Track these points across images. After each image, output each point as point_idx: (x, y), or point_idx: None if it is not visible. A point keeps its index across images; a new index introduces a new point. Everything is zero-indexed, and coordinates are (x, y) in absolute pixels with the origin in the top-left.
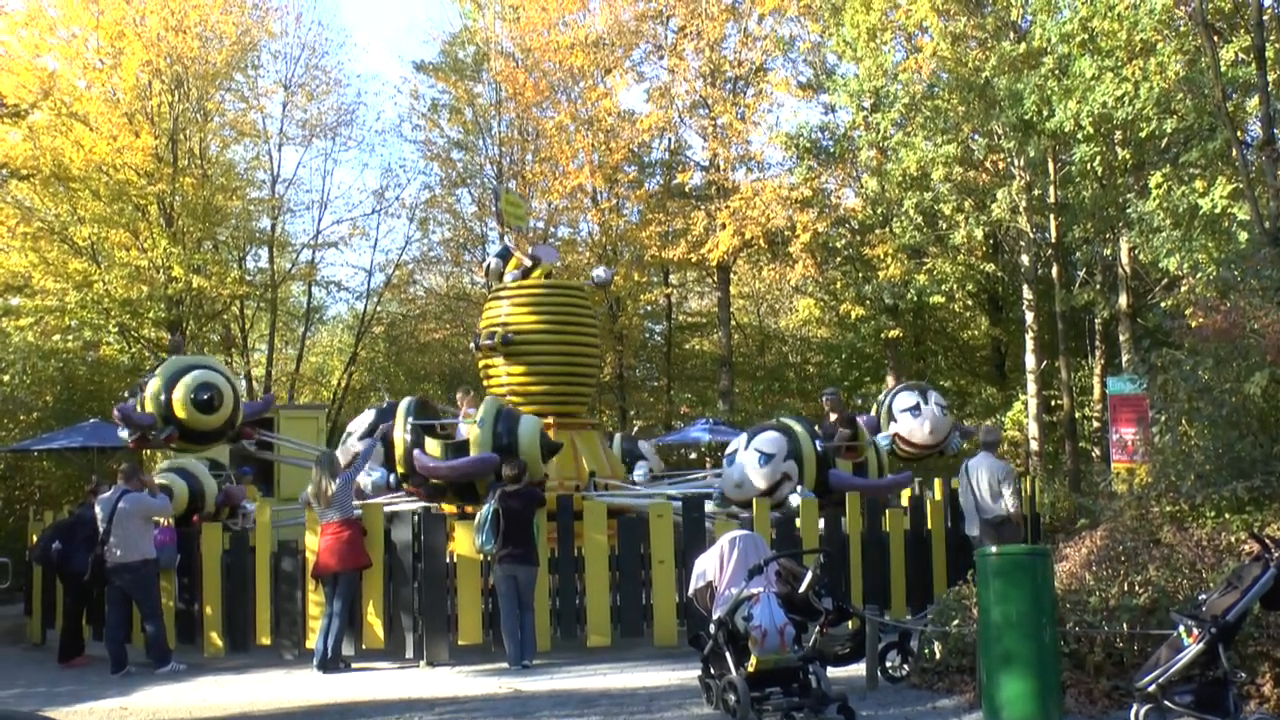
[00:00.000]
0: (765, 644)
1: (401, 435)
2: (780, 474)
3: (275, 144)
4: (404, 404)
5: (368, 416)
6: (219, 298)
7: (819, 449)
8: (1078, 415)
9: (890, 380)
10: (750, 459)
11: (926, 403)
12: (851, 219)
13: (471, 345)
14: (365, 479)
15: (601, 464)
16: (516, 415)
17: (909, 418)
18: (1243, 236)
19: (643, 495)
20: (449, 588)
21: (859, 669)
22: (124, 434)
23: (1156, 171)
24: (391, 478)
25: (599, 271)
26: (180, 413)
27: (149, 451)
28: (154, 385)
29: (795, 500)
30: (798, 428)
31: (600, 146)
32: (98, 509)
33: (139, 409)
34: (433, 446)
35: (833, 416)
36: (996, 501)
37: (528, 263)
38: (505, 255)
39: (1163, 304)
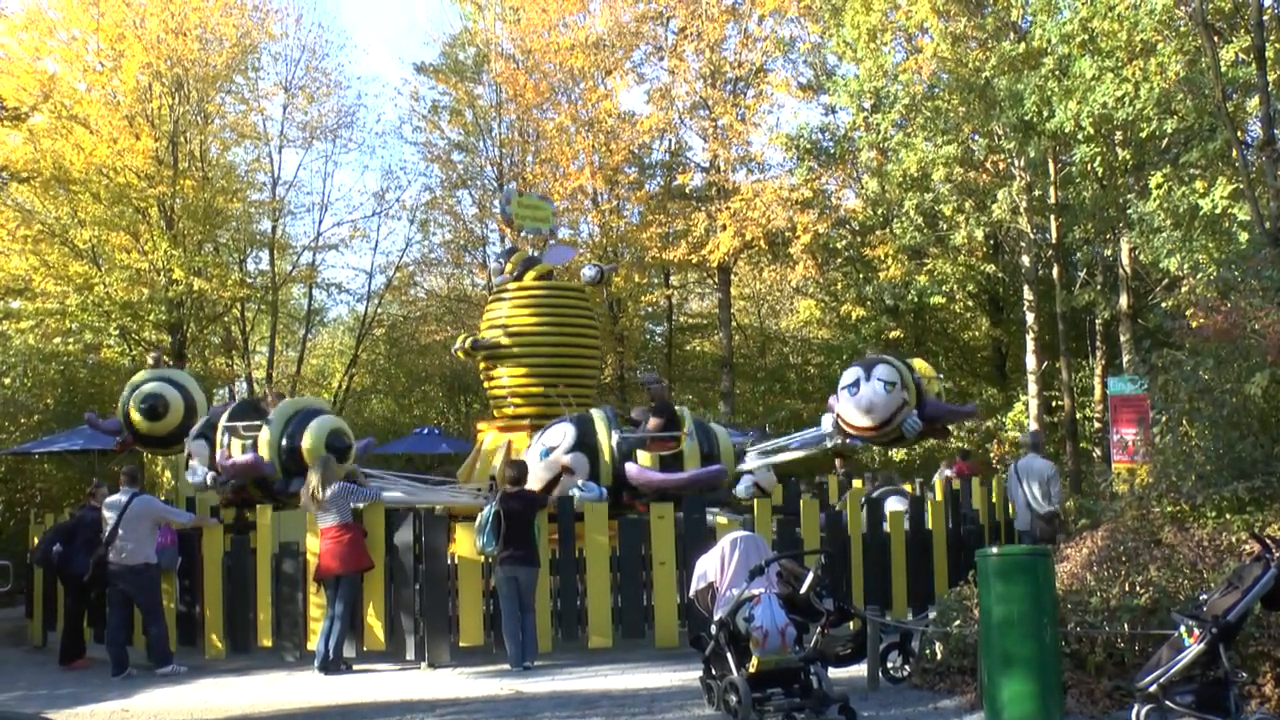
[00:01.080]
0: (766, 645)
1: (607, 446)
2: (559, 468)
3: (276, 146)
4: (600, 414)
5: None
6: (220, 300)
7: (616, 441)
8: (1079, 416)
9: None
10: (535, 452)
11: (868, 379)
12: (852, 220)
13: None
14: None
15: None
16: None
17: (846, 396)
18: (1243, 237)
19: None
20: (450, 589)
21: (860, 670)
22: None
23: (1157, 172)
24: (210, 477)
25: (587, 270)
26: (134, 419)
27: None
28: (123, 395)
29: (577, 494)
30: (597, 417)
31: (601, 148)
32: (106, 511)
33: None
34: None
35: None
36: (1047, 498)
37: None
38: (508, 255)
39: (1163, 304)
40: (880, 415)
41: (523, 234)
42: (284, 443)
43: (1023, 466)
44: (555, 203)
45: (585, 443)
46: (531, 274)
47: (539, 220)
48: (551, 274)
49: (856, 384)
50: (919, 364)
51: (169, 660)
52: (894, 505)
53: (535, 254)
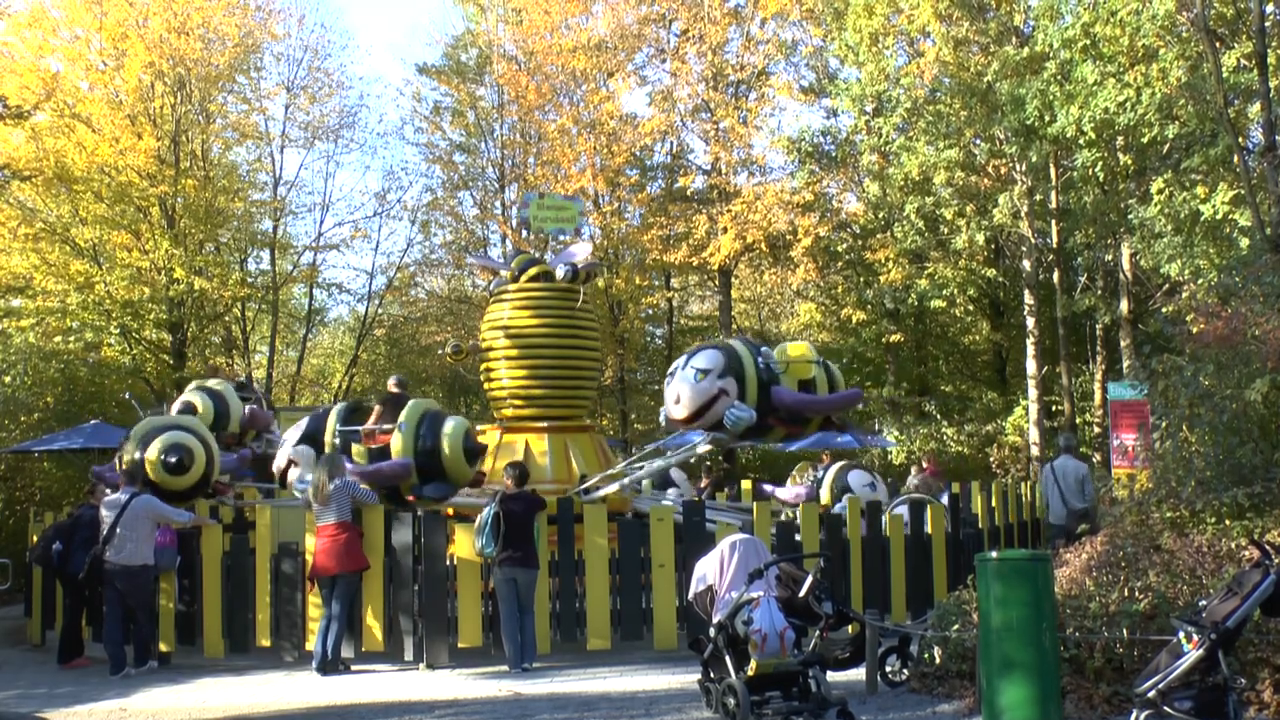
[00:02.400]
0: (765, 648)
1: (755, 373)
2: (287, 459)
3: (277, 146)
4: (743, 344)
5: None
6: (220, 300)
7: (338, 435)
8: (1079, 421)
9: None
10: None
11: (684, 367)
12: (853, 223)
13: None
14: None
15: (597, 468)
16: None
17: (666, 386)
18: (1244, 242)
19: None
20: (449, 590)
21: (859, 673)
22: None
23: (1158, 177)
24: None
25: (560, 269)
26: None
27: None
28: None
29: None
30: (739, 345)
31: (602, 150)
32: (104, 510)
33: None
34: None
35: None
36: (1081, 496)
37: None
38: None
39: (1164, 310)
40: (690, 405)
41: (543, 234)
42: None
43: (1058, 467)
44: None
45: (734, 368)
46: (528, 274)
47: (563, 221)
48: (551, 275)
49: (673, 373)
50: (796, 348)
51: (146, 659)
52: (856, 480)
53: (536, 254)
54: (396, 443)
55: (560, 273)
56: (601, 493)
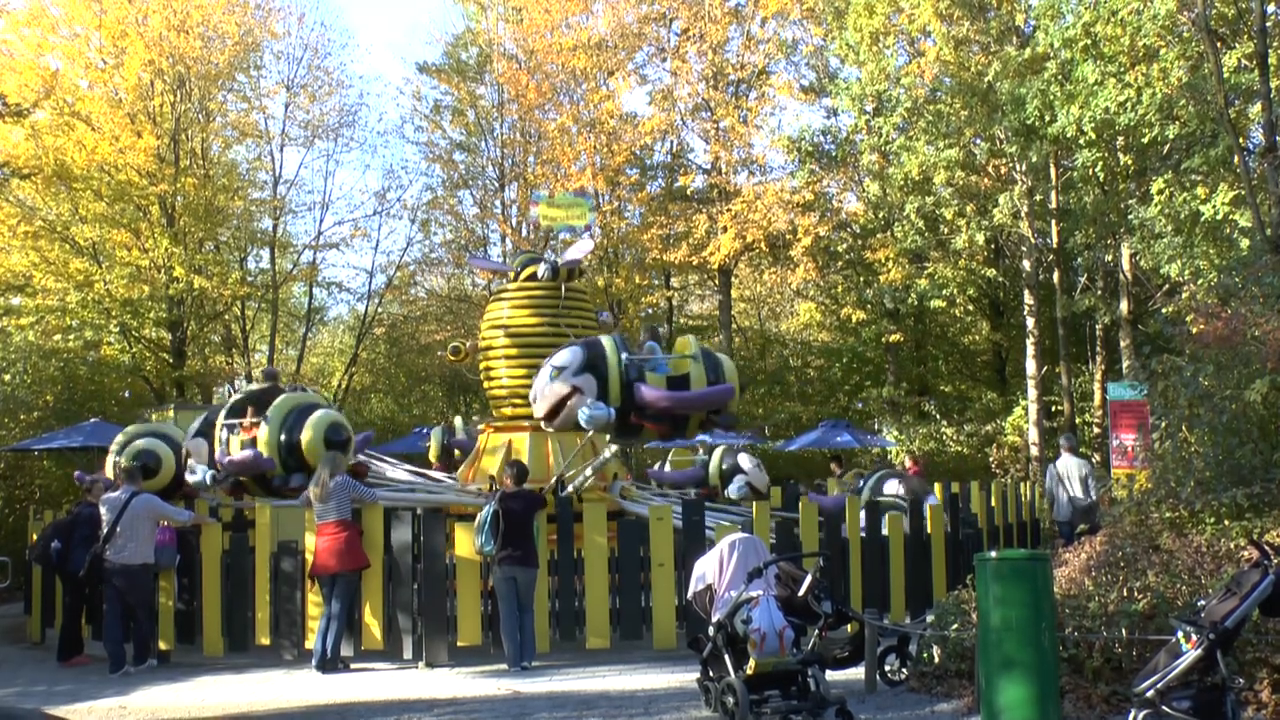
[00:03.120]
0: (764, 647)
1: (618, 370)
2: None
3: (277, 145)
4: (610, 341)
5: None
6: (220, 298)
7: (625, 362)
8: (1078, 421)
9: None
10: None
11: (544, 364)
12: (853, 223)
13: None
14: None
15: (612, 466)
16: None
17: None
18: (1244, 243)
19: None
20: (448, 589)
21: (858, 672)
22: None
23: (1158, 177)
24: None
25: (541, 266)
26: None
27: None
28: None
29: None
30: (606, 341)
31: (602, 149)
32: (103, 508)
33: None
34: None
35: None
36: (1086, 492)
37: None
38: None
39: (1164, 310)
40: (544, 403)
41: (552, 233)
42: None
43: (1062, 465)
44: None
45: (594, 364)
46: (525, 273)
47: (574, 218)
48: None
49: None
50: (682, 342)
51: (145, 657)
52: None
53: (537, 253)
54: (261, 435)
55: (541, 270)
56: (571, 488)
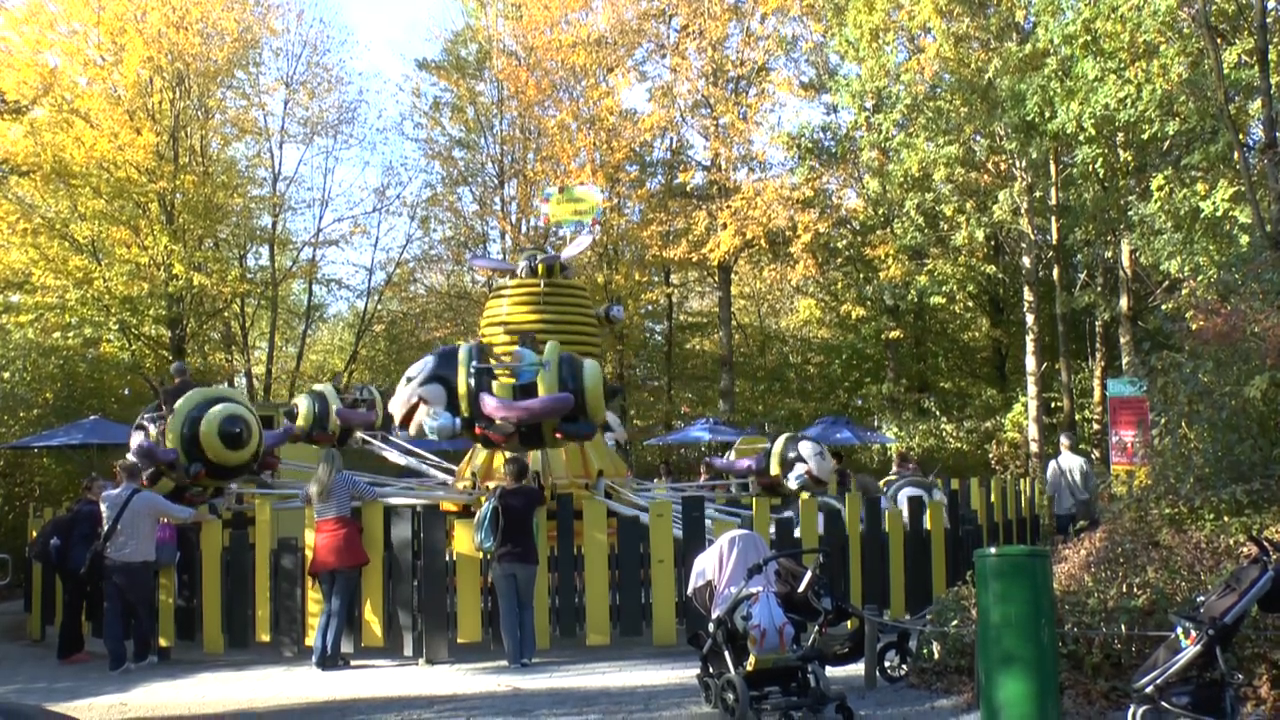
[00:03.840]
0: (764, 643)
1: (465, 380)
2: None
3: (276, 141)
4: (464, 350)
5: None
6: (220, 295)
7: (474, 371)
8: (1078, 417)
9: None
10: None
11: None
12: (853, 219)
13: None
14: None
15: (607, 463)
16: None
17: None
18: (1244, 240)
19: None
20: (448, 586)
21: (858, 669)
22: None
23: (1158, 174)
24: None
25: (520, 262)
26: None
27: None
28: (175, 420)
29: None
30: (461, 350)
31: (602, 145)
32: (104, 506)
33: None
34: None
35: None
36: (1085, 487)
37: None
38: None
39: (1163, 307)
40: (397, 411)
41: (563, 228)
42: (185, 430)
43: (1063, 461)
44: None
45: (441, 374)
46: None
47: (582, 212)
48: (550, 269)
49: None
50: (550, 348)
51: (146, 654)
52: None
53: (537, 250)
54: (171, 429)
55: (520, 265)
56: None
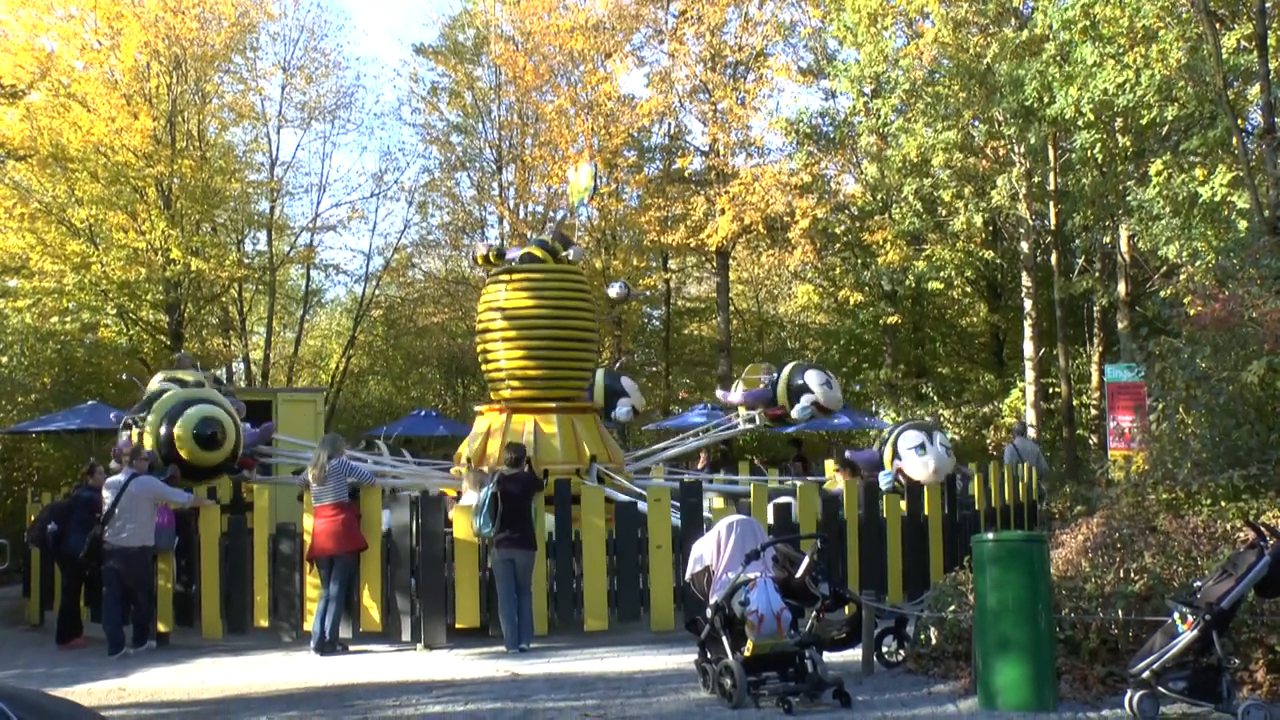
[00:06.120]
0: (762, 629)
1: None
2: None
3: (274, 126)
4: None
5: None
6: (217, 280)
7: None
8: (1076, 403)
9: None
10: None
11: None
12: (851, 205)
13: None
14: None
15: (601, 449)
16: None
17: None
18: (1242, 225)
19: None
20: (447, 571)
21: (855, 654)
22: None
23: (1157, 159)
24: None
25: (480, 246)
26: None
27: None
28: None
29: None
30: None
31: (600, 131)
32: (105, 491)
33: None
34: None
35: None
36: (1037, 468)
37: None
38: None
39: (1161, 292)
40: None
41: (579, 208)
42: (163, 430)
43: (1019, 445)
44: (554, 186)
45: (149, 401)
46: (520, 254)
47: (582, 190)
48: (548, 255)
49: None
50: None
51: (144, 639)
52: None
53: (536, 237)
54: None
55: (480, 250)
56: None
